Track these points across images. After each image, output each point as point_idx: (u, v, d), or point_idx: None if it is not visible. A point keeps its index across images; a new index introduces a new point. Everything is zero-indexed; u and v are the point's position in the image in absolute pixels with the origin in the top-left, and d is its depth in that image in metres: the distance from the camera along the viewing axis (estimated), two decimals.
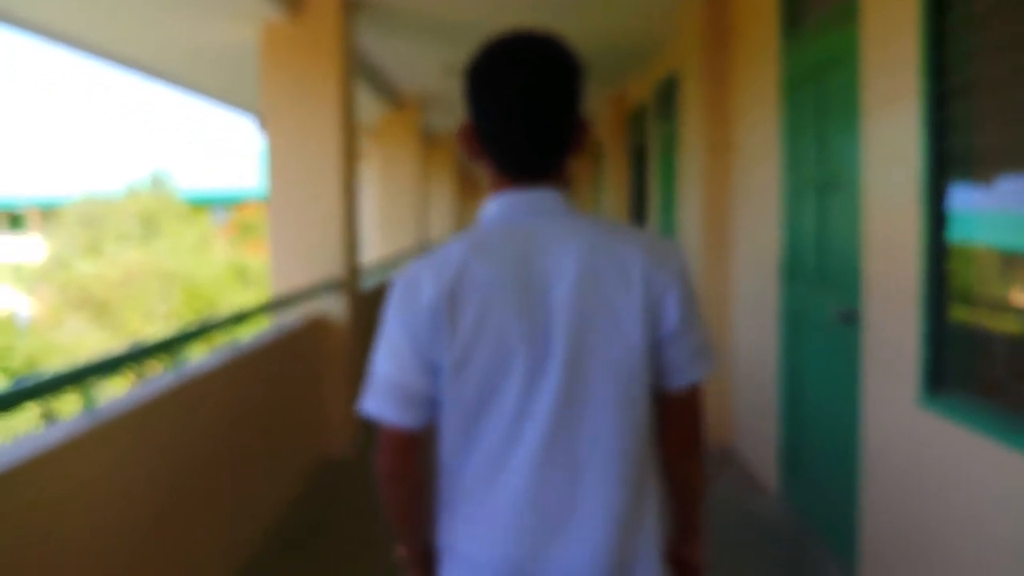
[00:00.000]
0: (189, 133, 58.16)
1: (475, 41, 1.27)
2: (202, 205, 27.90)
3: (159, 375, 2.82)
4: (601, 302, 1.14)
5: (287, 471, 4.11)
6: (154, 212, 24.25)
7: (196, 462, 2.88)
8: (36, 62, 68.06)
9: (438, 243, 6.12)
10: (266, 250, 5.12)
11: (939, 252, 2.44)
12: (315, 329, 4.76)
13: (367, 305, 5.54)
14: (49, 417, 2.74)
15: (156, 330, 17.14)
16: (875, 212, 2.83)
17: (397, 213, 9.59)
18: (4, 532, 1.79)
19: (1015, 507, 1.98)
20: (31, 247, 25.87)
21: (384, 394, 1.18)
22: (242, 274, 23.08)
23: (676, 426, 1.24)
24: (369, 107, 8.39)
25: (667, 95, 6.59)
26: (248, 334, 3.96)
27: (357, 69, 5.65)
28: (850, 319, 3.05)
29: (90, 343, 17.80)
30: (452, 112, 9.72)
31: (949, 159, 2.40)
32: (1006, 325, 2.17)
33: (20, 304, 21.39)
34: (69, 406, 2.29)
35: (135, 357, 2.53)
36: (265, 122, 4.93)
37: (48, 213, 27.29)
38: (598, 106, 9.52)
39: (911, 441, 2.55)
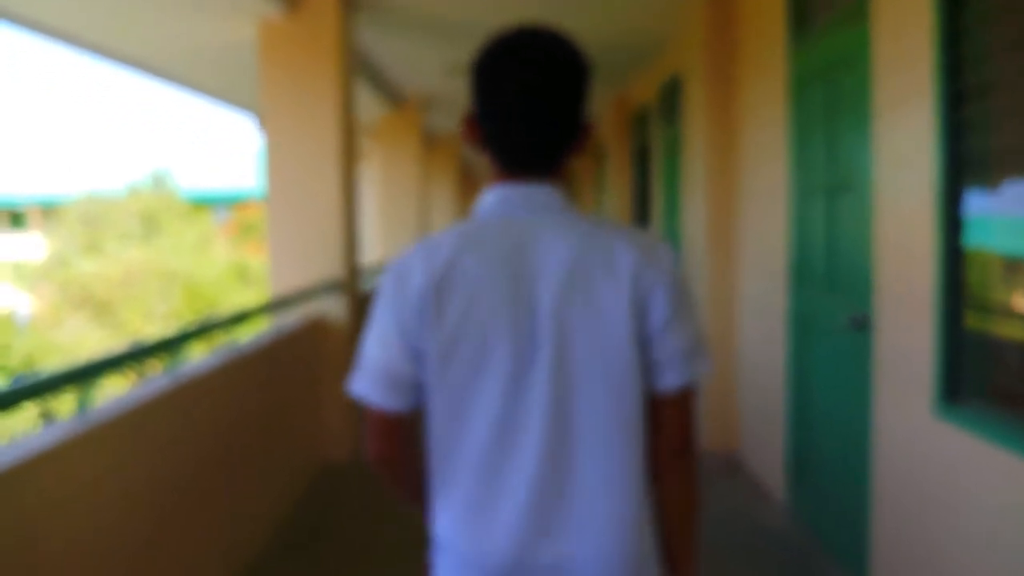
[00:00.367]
0: (190, 132, 58.24)
1: (477, 40, 1.25)
2: (203, 204, 27.83)
3: (158, 375, 2.80)
4: (589, 297, 1.14)
5: (286, 474, 4.06)
6: (155, 211, 24.21)
7: (195, 464, 2.86)
8: (37, 60, 68.22)
9: None
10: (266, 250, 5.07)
11: (955, 258, 2.37)
12: (314, 330, 4.69)
13: (367, 306, 5.46)
14: (47, 417, 2.69)
15: (156, 330, 17.10)
16: (888, 216, 2.76)
17: (398, 213, 9.53)
18: (4, 532, 1.77)
19: None
20: (31, 245, 25.85)
21: (371, 377, 1.20)
22: (243, 274, 23.04)
23: (665, 428, 1.21)
24: (369, 107, 8.33)
25: (671, 96, 6.51)
26: (247, 335, 3.91)
27: (357, 68, 5.59)
28: (862, 325, 2.97)
29: (90, 342, 17.77)
30: (453, 112, 9.66)
31: (965, 162, 2.33)
32: None
33: (20, 302, 21.36)
34: (68, 406, 2.25)
35: (135, 357, 2.51)
36: (264, 121, 4.88)
37: (49, 211, 27.27)
38: (601, 107, 9.46)
39: (926, 452, 2.48)
